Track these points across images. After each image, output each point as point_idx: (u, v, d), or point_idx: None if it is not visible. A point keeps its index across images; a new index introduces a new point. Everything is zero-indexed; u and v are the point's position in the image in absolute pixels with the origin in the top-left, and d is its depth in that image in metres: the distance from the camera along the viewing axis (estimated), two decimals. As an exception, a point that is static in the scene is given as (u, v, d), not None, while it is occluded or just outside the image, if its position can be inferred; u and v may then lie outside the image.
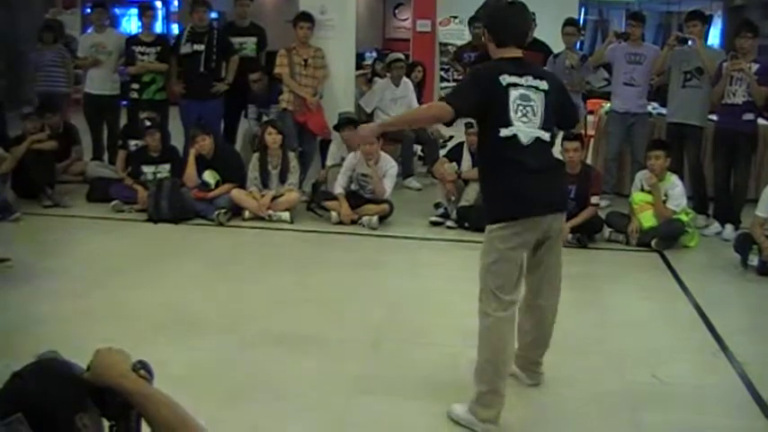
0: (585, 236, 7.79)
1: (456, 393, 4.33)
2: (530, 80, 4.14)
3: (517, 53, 4.25)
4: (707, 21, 9.46)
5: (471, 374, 4.17)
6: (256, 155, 8.67)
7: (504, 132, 4.03)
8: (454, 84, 16.55)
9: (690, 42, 8.53)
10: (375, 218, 8.22)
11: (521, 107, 4.07)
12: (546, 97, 4.16)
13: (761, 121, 8.80)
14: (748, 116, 8.16)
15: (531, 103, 4.10)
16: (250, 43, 10.00)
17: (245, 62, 9.88)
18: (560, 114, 4.32)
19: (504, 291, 4.08)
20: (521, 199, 4.08)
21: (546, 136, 4.14)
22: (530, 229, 4.11)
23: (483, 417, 4.11)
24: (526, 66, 4.24)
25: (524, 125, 4.06)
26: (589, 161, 9.84)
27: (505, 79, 4.08)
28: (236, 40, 9.93)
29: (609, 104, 9.92)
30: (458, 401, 4.26)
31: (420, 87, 11.42)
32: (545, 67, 9.65)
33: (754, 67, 8.03)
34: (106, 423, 2.23)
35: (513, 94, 4.07)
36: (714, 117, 8.70)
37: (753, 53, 8.19)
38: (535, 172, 4.08)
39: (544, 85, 4.18)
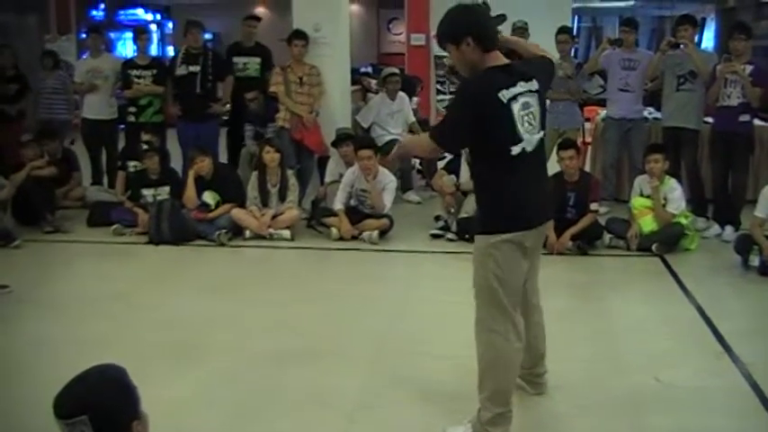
0: (586, 243, 7.80)
1: (460, 404, 4.33)
2: (523, 85, 3.91)
3: (502, 58, 4.04)
4: (698, 25, 9.49)
5: (474, 385, 4.15)
6: (255, 174, 8.68)
7: (515, 150, 3.86)
8: (450, 96, 16.61)
9: (682, 47, 8.55)
10: (376, 233, 8.23)
11: (525, 118, 3.89)
12: (539, 96, 4.02)
13: (757, 122, 8.82)
14: (744, 117, 8.18)
15: (532, 109, 3.93)
16: (253, 63, 10.05)
17: (248, 82, 9.93)
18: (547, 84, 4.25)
19: (513, 305, 4.00)
20: (526, 210, 4.01)
21: (542, 134, 4.03)
22: (529, 238, 4.03)
23: None
24: (515, 71, 3.98)
25: (529, 134, 3.91)
26: (587, 168, 9.85)
27: (505, 95, 3.83)
28: (239, 60, 10.00)
29: (605, 111, 9.95)
30: (462, 412, 4.25)
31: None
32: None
33: (748, 68, 8.06)
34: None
35: (516, 107, 3.85)
36: (710, 119, 8.72)
37: (746, 55, 8.22)
38: (534, 177, 4.04)
39: (534, 84, 3.98)
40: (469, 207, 8.13)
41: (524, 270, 4.07)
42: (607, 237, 8.01)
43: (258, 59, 10.06)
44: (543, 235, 4.35)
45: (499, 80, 3.88)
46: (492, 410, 4.04)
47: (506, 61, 4.04)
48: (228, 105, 10.27)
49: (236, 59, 10.04)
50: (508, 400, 4.06)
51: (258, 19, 10.70)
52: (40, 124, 10.49)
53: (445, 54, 15.92)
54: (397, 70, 11.22)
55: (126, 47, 21.29)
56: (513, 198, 3.98)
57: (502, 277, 3.94)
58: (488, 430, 4.05)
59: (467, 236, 8.07)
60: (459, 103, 4.07)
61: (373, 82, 13.25)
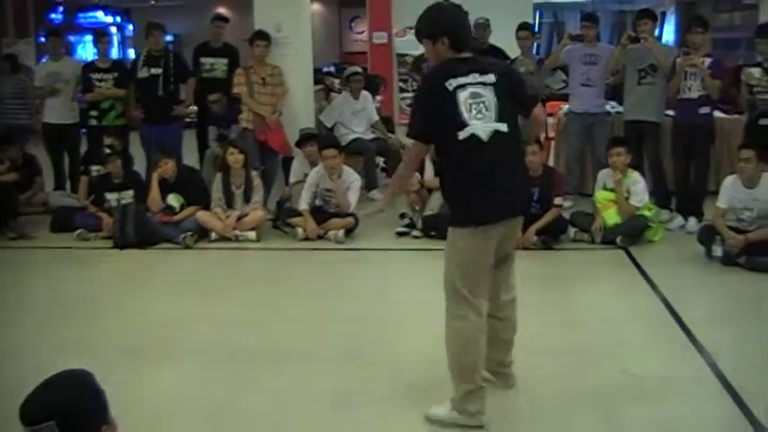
0: (551, 237, 7.85)
1: (432, 400, 4.35)
2: (476, 77, 4.15)
3: (468, 54, 4.29)
4: (657, 19, 9.57)
5: (446, 381, 4.20)
6: (219, 175, 8.65)
7: (462, 135, 4.06)
8: (413, 93, 16.64)
9: (642, 41, 8.61)
10: (341, 232, 8.23)
11: (473, 105, 4.09)
12: (495, 90, 4.16)
13: (717, 113, 8.92)
14: (704, 110, 8.28)
15: (483, 99, 4.11)
16: (220, 64, 10.03)
17: (215, 83, 9.89)
18: (518, 101, 4.35)
19: (475, 294, 4.17)
20: (487, 205, 4.13)
21: (503, 127, 4.13)
22: (494, 232, 4.17)
23: (473, 410, 4.20)
24: (471, 63, 4.23)
25: (480, 122, 4.08)
26: (551, 163, 9.92)
27: (451, 84, 4.11)
28: (206, 61, 9.98)
29: (567, 106, 10.00)
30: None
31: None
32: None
33: (707, 61, 8.16)
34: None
35: (462, 95, 4.09)
36: (671, 112, 8.80)
37: (705, 48, 8.31)
38: (498, 168, 4.13)
39: (491, 78, 4.18)
40: (434, 204, 8.17)
41: (486, 261, 4.21)
42: (572, 230, 8.06)
43: (225, 60, 10.04)
44: (515, 230, 4.42)
45: (451, 70, 4.17)
46: (463, 387, 4.21)
47: (468, 55, 4.28)
48: (194, 107, 10.23)
49: (203, 60, 10.01)
50: (473, 377, 4.20)
51: (226, 20, 10.65)
52: (3, 128, 10.37)
53: (407, 52, 15.92)
54: (359, 69, 11.24)
55: (86, 50, 21.13)
56: (473, 192, 4.14)
57: (461, 266, 4.15)
58: (464, 408, 4.21)
59: (432, 233, 8.09)
60: (418, 93, 4.49)
61: (336, 81, 13.23)
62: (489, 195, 4.13)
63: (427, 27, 4.31)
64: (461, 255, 4.16)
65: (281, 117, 9.53)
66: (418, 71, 12.24)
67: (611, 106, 9.99)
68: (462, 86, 4.11)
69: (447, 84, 4.11)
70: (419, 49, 13.67)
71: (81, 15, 23.85)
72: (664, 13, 20.39)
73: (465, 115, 4.08)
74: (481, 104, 4.11)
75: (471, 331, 4.18)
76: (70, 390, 2.32)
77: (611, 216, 7.92)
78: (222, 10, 23.90)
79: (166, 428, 4.37)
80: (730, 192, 7.30)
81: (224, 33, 10.28)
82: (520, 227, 4.57)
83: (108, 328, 5.94)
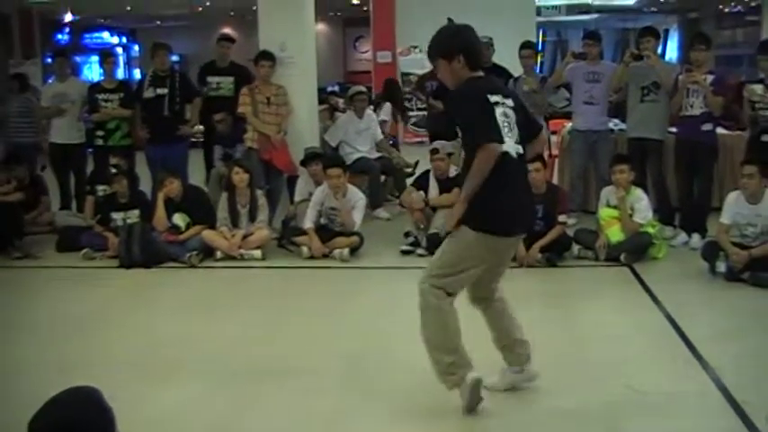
0: (555, 254, 7.86)
1: (433, 416, 4.37)
2: (502, 98, 4.40)
3: (481, 74, 4.51)
4: (660, 36, 9.61)
5: (449, 399, 4.24)
6: (225, 195, 8.68)
7: (501, 148, 4.24)
8: (418, 113, 16.70)
9: (645, 58, 8.65)
10: (346, 250, 8.26)
11: (505, 123, 4.31)
12: (515, 113, 4.43)
13: (720, 130, 8.94)
14: (707, 126, 8.30)
15: (509, 119, 4.36)
16: (227, 83, 10.06)
17: (221, 102, 9.94)
18: (526, 125, 4.54)
19: (456, 293, 4.52)
20: (508, 216, 4.37)
21: (521, 150, 4.42)
22: (504, 244, 4.43)
23: (465, 375, 4.42)
24: (493, 82, 4.58)
25: (510, 140, 4.32)
26: (555, 181, 9.95)
27: (491, 98, 4.33)
28: (213, 80, 10.03)
29: (571, 124, 10.04)
30: (438, 424, 4.31)
31: None
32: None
33: (709, 78, 8.19)
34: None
35: (498, 111, 4.32)
36: (674, 129, 8.83)
37: (707, 65, 8.34)
38: (519, 185, 4.45)
39: (511, 102, 4.44)
40: (439, 223, 8.18)
41: (480, 270, 4.45)
42: (576, 248, 8.08)
43: (231, 79, 10.07)
44: (516, 245, 4.65)
45: (486, 86, 4.45)
46: (443, 360, 4.47)
47: (484, 75, 4.54)
48: (199, 126, 10.28)
49: (209, 79, 10.07)
50: (450, 348, 4.45)
51: (233, 40, 10.70)
52: (6, 147, 10.42)
53: (411, 71, 15.95)
54: (364, 89, 11.29)
55: (92, 70, 21.24)
56: (498, 202, 4.31)
57: (454, 265, 4.43)
58: (446, 378, 4.48)
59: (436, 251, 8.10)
60: (469, 102, 4.38)
61: (341, 101, 13.30)
62: (512, 209, 4.39)
63: (442, 47, 4.48)
64: (461, 257, 4.41)
65: (286, 136, 9.56)
66: (422, 90, 12.27)
67: (615, 124, 10.02)
68: (497, 103, 4.34)
69: (489, 96, 4.33)
70: (423, 68, 13.78)
71: (87, 36, 24.00)
72: (667, 31, 20.48)
73: (502, 131, 4.28)
74: (508, 124, 4.34)
75: (442, 306, 4.48)
76: (78, 406, 2.33)
77: (614, 233, 7.93)
78: (227, 30, 24.09)
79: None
80: (734, 208, 7.32)
81: (230, 53, 10.33)
82: (517, 243, 4.76)
83: (113, 347, 5.95)
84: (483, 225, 4.32)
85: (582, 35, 11.60)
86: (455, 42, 4.45)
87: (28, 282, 8.04)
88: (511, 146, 4.31)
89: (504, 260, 4.65)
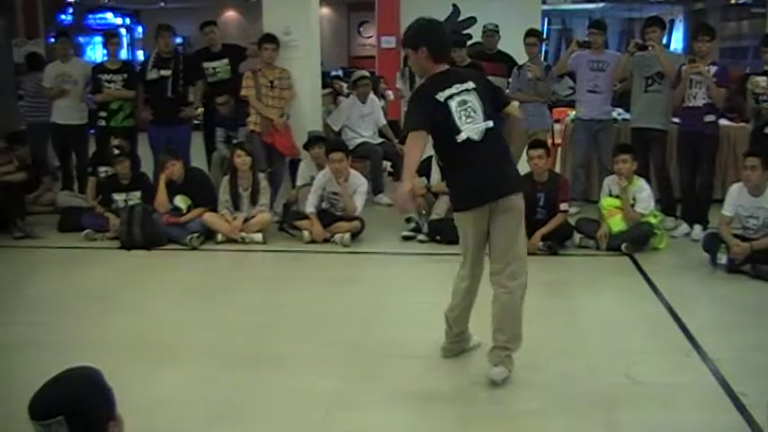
0: (556, 243, 7.86)
1: (433, 403, 4.38)
2: (459, 86, 4.75)
3: (445, 66, 4.87)
4: (665, 26, 9.58)
5: (448, 384, 4.23)
6: (226, 178, 8.68)
7: (459, 138, 4.68)
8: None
9: (649, 48, 8.62)
10: (347, 235, 8.25)
11: (463, 112, 4.70)
12: (477, 92, 4.78)
13: (722, 121, 8.93)
14: (710, 118, 8.28)
15: (469, 104, 4.72)
16: (223, 66, 9.98)
17: (221, 86, 9.89)
18: (493, 99, 4.96)
19: (463, 261, 4.97)
20: (475, 192, 4.75)
21: (491, 123, 4.77)
22: (481, 213, 4.77)
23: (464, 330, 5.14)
24: (450, 75, 4.86)
25: (471, 125, 4.69)
26: (557, 169, 9.93)
27: (441, 96, 4.69)
28: (209, 65, 9.93)
29: (574, 112, 10.02)
30: (437, 412, 4.32)
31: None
32: (509, 79, 9.80)
33: (712, 69, 8.17)
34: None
35: (453, 104, 4.70)
36: (677, 120, 8.81)
37: (711, 56, 8.31)
38: (491, 158, 4.78)
39: (470, 84, 4.80)
40: (440, 209, 8.19)
41: (478, 235, 4.85)
42: (577, 236, 8.08)
43: (226, 60, 9.99)
44: (506, 205, 4.79)
45: (436, 85, 4.77)
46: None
47: (447, 68, 4.89)
48: (201, 109, 10.24)
49: (205, 65, 9.98)
50: (451, 305, 5.08)
51: (214, 23, 10.48)
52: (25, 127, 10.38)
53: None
54: (367, 73, 11.25)
55: (95, 51, 21.18)
56: (465, 184, 4.81)
57: (463, 239, 4.94)
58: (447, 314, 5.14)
59: (438, 238, 8.11)
60: (414, 100, 5.01)
61: (344, 85, 13.27)
62: (478, 186, 4.75)
63: (409, 38, 4.90)
64: (461, 230, 4.92)
65: (289, 120, 9.55)
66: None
67: (618, 113, 10.01)
68: (451, 97, 4.71)
69: (437, 96, 4.69)
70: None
71: (90, 17, 23.92)
72: (672, 21, 20.42)
73: (458, 122, 4.68)
74: (469, 109, 4.72)
75: (456, 281, 5.03)
76: (79, 386, 2.34)
77: (616, 223, 7.93)
78: (231, 13, 24.02)
79: (169, 428, 4.39)
80: (736, 200, 7.32)
81: (217, 36, 10.17)
82: (513, 203, 4.84)
83: (113, 328, 5.96)
84: (456, 206, 4.97)
85: (587, 24, 11.58)
86: (420, 35, 4.84)
87: (29, 262, 8.05)
88: (471, 129, 4.68)
89: (487, 228, 4.85)
